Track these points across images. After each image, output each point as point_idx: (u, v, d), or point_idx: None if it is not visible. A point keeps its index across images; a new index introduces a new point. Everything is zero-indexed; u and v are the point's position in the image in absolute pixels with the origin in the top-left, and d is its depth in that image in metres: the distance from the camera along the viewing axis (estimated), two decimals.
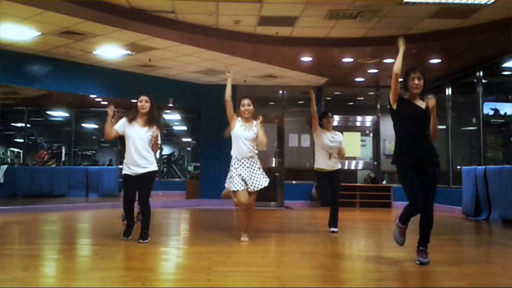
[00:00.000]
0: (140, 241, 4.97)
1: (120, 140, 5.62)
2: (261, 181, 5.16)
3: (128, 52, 8.71)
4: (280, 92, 11.58)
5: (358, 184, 11.64)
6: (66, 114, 14.46)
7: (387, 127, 10.56)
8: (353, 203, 10.98)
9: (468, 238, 6.68)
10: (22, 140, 14.96)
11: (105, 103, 12.35)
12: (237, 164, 5.14)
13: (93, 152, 17.71)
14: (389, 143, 11.63)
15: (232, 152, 5.23)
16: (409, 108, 4.04)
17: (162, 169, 14.94)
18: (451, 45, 7.85)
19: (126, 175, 5.09)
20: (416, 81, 4.04)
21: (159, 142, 5.44)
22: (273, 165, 11.31)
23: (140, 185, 5.09)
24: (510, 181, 7.38)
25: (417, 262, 3.97)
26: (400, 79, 4.08)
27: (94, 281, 3.39)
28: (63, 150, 14.02)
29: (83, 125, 16.01)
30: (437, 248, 4.94)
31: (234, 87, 11.51)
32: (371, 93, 11.91)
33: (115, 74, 10.00)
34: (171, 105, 10.98)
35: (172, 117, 15.84)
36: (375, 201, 10.86)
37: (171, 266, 4.17)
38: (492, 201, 7.94)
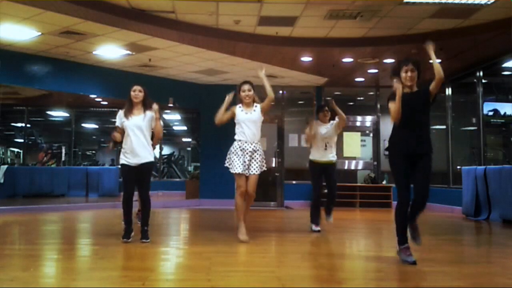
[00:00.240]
0: (143, 240, 4.98)
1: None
2: (257, 168, 5.16)
3: (128, 52, 8.71)
4: (280, 92, 11.58)
5: (358, 184, 11.64)
6: (66, 114, 14.46)
7: (387, 127, 10.54)
8: (353, 203, 10.97)
9: (468, 238, 6.67)
10: (22, 140, 14.97)
11: (105, 103, 12.39)
12: (239, 146, 5.15)
13: (93, 152, 17.72)
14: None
15: (236, 136, 5.25)
16: (404, 101, 3.94)
17: (162, 169, 14.94)
18: (451, 45, 7.85)
19: (124, 165, 5.06)
20: (409, 73, 3.96)
21: (161, 123, 5.32)
22: (273, 165, 11.31)
23: (140, 177, 5.07)
24: (510, 181, 7.38)
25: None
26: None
27: (94, 281, 3.39)
28: (63, 150, 14.03)
29: (83, 125, 16.02)
30: (437, 248, 4.95)
31: (234, 87, 11.55)
32: (371, 93, 11.91)
33: (115, 74, 10.00)
34: (171, 105, 10.98)
35: (172, 117, 15.84)
36: (375, 201, 10.85)
37: (171, 266, 4.17)
38: (492, 201, 7.94)
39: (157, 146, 12.41)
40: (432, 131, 10.56)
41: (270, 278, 3.48)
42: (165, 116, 14.98)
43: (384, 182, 11.50)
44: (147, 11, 6.87)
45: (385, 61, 8.86)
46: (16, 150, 17.16)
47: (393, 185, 11.04)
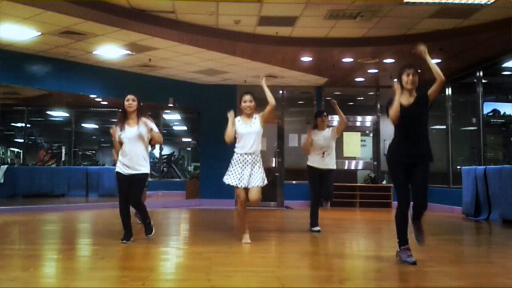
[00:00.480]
0: (149, 235, 5.08)
1: None
2: (258, 180, 5.11)
3: (128, 52, 8.70)
4: (280, 92, 11.57)
5: (358, 184, 11.64)
6: (66, 114, 14.45)
7: (387, 127, 10.55)
8: (353, 203, 10.98)
9: (468, 238, 6.68)
10: (22, 140, 14.95)
11: (105, 103, 12.38)
12: (239, 159, 5.13)
13: (93, 152, 17.70)
14: (389, 143, 11.62)
15: (236, 149, 5.23)
16: (403, 112, 4.02)
17: (162, 169, 14.94)
18: (451, 45, 7.85)
19: (118, 173, 5.12)
20: (411, 77, 4.05)
21: (157, 131, 5.18)
22: (273, 165, 11.32)
23: (131, 185, 5.07)
24: (510, 181, 7.38)
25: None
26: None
27: (94, 281, 3.39)
28: (63, 150, 14.02)
29: (83, 125, 16.00)
30: (437, 248, 4.95)
31: (234, 87, 11.41)
32: (371, 93, 11.91)
33: (115, 74, 10.00)
34: (171, 105, 10.98)
35: (172, 117, 15.83)
36: (375, 201, 10.85)
37: (171, 266, 4.17)
38: (492, 201, 7.94)
39: (157, 146, 12.39)
40: (432, 131, 10.57)
41: (270, 278, 3.48)
42: (165, 116, 14.96)
43: (384, 182, 11.49)
44: (147, 11, 6.87)
45: (385, 61, 8.86)
46: (16, 150, 17.14)
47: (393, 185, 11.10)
